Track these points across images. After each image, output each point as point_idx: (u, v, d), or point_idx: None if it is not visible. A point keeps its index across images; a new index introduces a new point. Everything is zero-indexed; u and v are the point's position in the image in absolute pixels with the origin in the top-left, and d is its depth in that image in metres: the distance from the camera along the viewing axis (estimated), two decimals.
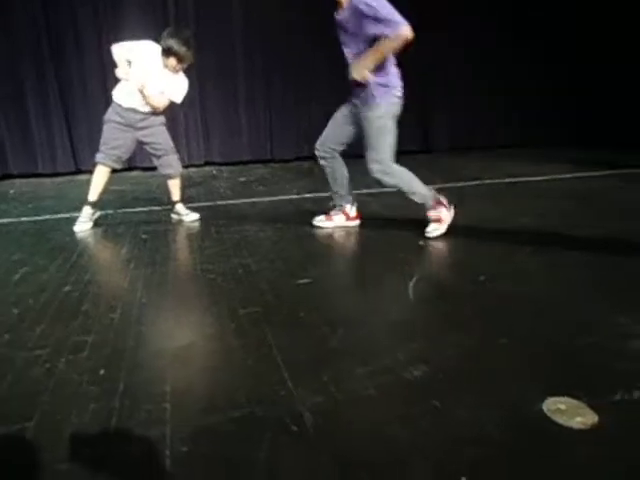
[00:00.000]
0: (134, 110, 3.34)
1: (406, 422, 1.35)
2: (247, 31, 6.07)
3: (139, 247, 3.07)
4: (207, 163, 6.40)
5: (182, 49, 3.16)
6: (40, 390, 1.56)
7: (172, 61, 3.20)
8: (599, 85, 6.88)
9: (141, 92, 3.25)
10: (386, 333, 1.88)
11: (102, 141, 3.39)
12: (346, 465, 1.21)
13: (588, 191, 4.23)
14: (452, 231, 3.05)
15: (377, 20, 2.62)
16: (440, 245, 2.94)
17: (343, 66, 2.89)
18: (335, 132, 3.13)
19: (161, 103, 3.33)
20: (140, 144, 3.51)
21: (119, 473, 1.23)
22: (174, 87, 3.33)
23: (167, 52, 3.18)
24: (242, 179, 5.48)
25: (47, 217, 3.90)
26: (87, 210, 3.50)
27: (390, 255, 2.77)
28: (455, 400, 1.43)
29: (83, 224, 3.47)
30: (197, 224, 3.60)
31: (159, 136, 3.46)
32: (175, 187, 3.66)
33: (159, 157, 3.52)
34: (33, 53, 5.48)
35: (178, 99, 3.38)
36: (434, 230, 3.04)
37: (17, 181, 5.64)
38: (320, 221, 3.41)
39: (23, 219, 3.86)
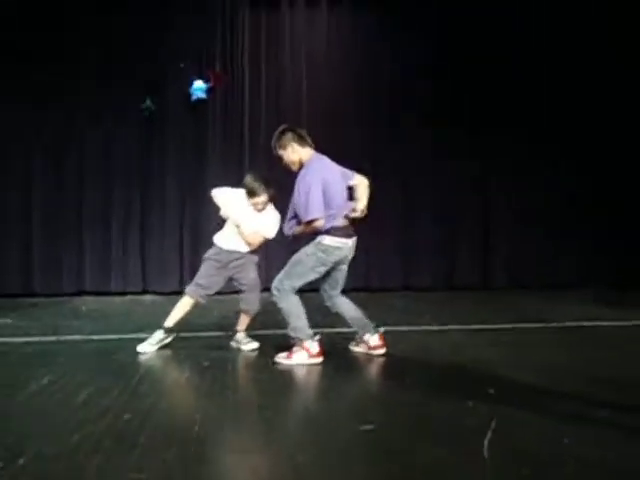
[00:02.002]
0: (233, 252, 3.63)
1: None
2: None
3: (200, 375, 3.09)
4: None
5: (256, 186, 3.48)
6: None
7: (254, 200, 3.51)
8: None
9: (238, 231, 3.57)
10: None
11: (198, 275, 3.65)
12: None
13: None
14: (530, 386, 2.87)
15: (299, 202, 3.14)
16: (508, 393, 2.74)
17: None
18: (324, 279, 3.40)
19: (256, 240, 3.60)
20: (230, 280, 3.71)
21: None
22: (265, 224, 3.61)
23: (248, 193, 3.51)
24: None
25: (114, 336, 4.04)
26: (159, 334, 3.61)
27: (457, 402, 2.60)
28: None
29: (149, 346, 3.56)
30: (255, 353, 3.61)
31: (249, 273, 3.66)
32: (245, 319, 3.74)
33: (243, 292, 3.69)
34: (125, 181, 6.15)
35: (270, 234, 3.64)
36: (282, 358, 3.26)
37: (89, 298, 5.97)
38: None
39: (93, 337, 4.01)
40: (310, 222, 3.15)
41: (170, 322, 3.63)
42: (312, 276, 3.29)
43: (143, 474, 1.85)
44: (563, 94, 6.60)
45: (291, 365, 3.26)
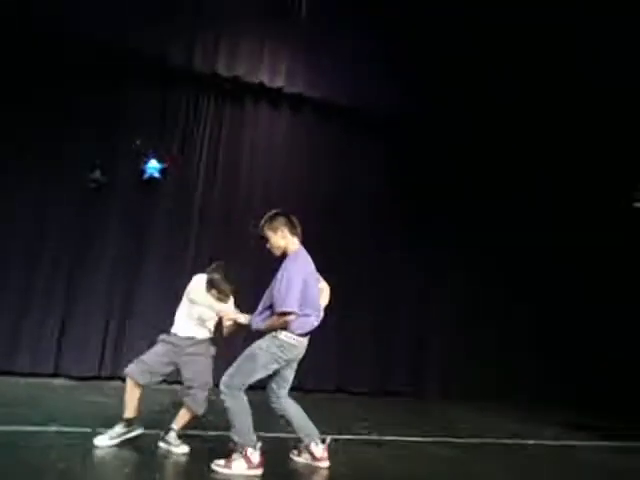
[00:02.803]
0: (189, 338, 3.41)
1: None
2: None
3: None
4: None
5: (225, 287, 3.35)
6: None
7: (219, 295, 3.36)
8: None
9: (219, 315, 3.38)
10: None
11: (144, 354, 3.38)
12: None
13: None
14: None
15: (278, 291, 3.05)
16: None
17: None
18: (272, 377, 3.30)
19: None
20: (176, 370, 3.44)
21: None
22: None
23: (214, 287, 3.35)
24: None
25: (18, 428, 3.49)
26: (119, 428, 3.25)
27: None
28: None
29: (107, 440, 3.21)
30: (186, 458, 3.25)
31: (203, 366, 3.39)
32: (185, 417, 3.40)
33: (191, 387, 3.36)
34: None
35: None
36: (220, 467, 2.99)
37: None
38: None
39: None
40: (283, 314, 3.03)
41: (127, 412, 3.28)
42: (263, 373, 3.12)
43: None
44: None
45: (229, 475, 2.96)
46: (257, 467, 3.01)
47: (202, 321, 3.45)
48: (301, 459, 3.32)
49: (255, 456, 3.01)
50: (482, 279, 7.21)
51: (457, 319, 7.10)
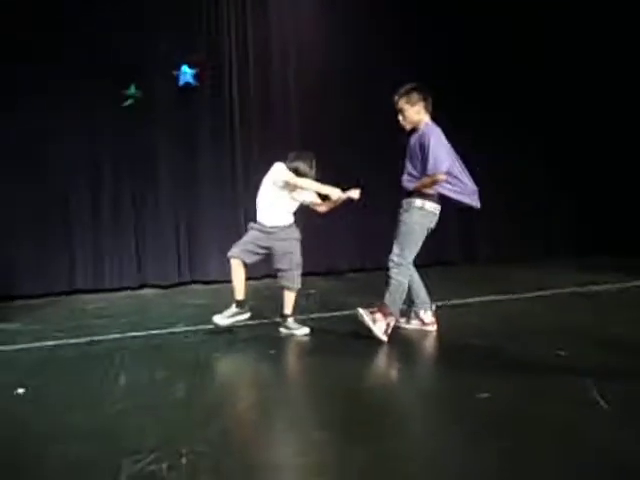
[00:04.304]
0: (275, 227, 3.64)
1: None
2: None
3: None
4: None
5: (308, 171, 3.58)
6: None
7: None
8: None
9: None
10: None
11: (240, 241, 3.66)
12: None
13: None
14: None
15: (425, 156, 3.23)
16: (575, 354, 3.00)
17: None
18: None
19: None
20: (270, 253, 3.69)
21: None
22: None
23: (298, 174, 3.54)
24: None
25: (155, 332, 3.90)
26: (233, 308, 3.64)
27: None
28: None
29: (224, 319, 3.60)
30: (308, 338, 3.65)
31: (291, 249, 3.65)
32: (290, 300, 3.71)
33: (283, 270, 3.65)
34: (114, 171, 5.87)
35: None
36: (364, 315, 3.32)
37: (83, 296, 5.67)
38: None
39: (133, 334, 3.86)
40: (433, 177, 3.24)
41: (238, 295, 3.62)
42: (420, 244, 3.38)
43: None
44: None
45: (373, 329, 3.33)
46: (385, 335, 3.35)
47: (285, 207, 3.66)
48: (411, 325, 3.68)
49: (427, 316, 3.51)
50: (521, 144, 7.17)
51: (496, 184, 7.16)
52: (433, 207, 3.36)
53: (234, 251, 3.62)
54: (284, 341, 3.61)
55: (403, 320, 3.71)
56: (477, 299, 4.67)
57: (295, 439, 2.11)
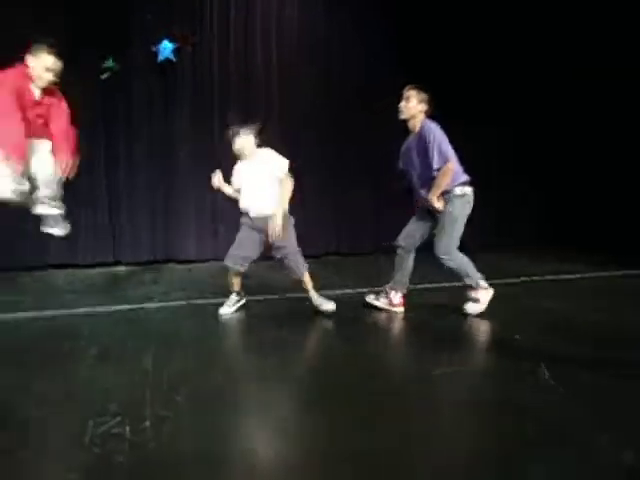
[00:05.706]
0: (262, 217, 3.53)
1: None
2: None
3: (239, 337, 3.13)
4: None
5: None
6: None
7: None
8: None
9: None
10: None
11: (233, 245, 3.60)
12: None
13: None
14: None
15: (431, 151, 3.32)
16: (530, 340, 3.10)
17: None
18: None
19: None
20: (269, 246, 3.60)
21: None
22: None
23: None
24: None
25: (134, 306, 3.88)
26: (233, 297, 3.67)
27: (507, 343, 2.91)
28: None
29: (228, 308, 3.63)
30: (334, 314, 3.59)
31: (286, 234, 3.52)
32: (309, 280, 3.65)
33: (285, 259, 3.57)
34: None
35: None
36: (476, 303, 3.48)
37: (54, 271, 5.59)
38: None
39: (122, 307, 3.84)
40: (445, 170, 3.29)
41: (235, 287, 3.66)
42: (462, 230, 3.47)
43: None
44: None
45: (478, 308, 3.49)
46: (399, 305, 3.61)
47: (274, 196, 3.52)
48: (379, 303, 3.70)
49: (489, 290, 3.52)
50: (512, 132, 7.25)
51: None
52: (471, 190, 3.44)
53: (229, 263, 3.55)
54: (255, 311, 3.67)
55: (373, 296, 3.75)
56: (449, 284, 4.73)
57: (260, 404, 2.15)
